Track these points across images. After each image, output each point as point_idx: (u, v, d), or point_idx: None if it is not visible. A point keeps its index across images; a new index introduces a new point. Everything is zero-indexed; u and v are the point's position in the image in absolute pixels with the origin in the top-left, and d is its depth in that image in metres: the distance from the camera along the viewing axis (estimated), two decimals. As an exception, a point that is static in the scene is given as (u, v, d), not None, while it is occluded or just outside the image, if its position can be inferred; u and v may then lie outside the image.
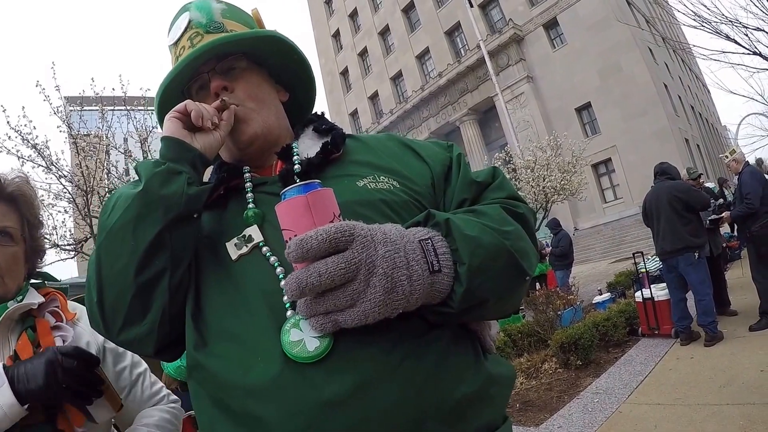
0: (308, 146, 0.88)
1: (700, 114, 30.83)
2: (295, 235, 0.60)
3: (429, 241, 0.65)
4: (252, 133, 0.85)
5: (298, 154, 0.85)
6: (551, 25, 24.19)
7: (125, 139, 7.64)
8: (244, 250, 0.75)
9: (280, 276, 0.70)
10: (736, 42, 8.12)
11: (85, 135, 7.06)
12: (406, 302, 0.62)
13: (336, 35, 36.90)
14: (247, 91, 0.87)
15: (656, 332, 5.03)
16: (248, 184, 0.83)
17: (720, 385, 3.46)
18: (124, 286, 0.71)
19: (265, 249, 0.74)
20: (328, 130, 0.90)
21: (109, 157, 7.30)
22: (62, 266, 7.80)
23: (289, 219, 0.63)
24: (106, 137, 7.17)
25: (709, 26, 8.15)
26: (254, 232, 0.76)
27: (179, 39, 0.88)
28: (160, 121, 0.89)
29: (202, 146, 0.78)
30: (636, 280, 6.33)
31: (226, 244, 0.77)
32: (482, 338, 0.78)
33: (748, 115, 21.01)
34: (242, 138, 0.85)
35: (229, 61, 0.87)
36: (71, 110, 7.05)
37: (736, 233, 5.15)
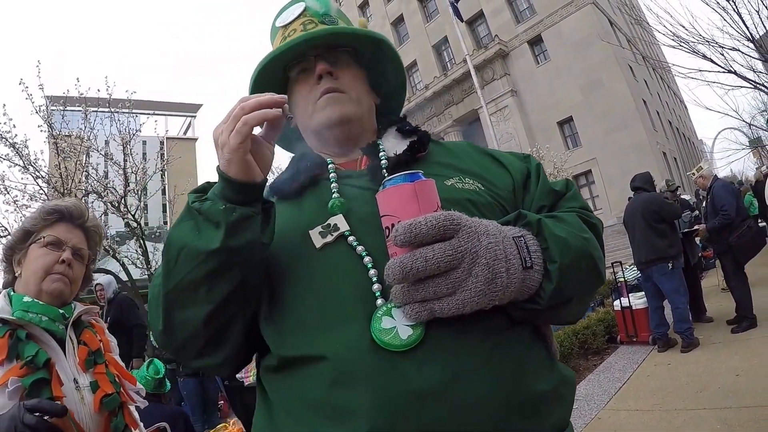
0: (393, 145, 0.88)
1: (678, 129, 31.68)
2: (399, 221, 0.61)
3: (522, 238, 0.67)
4: (344, 113, 0.85)
5: (384, 151, 0.86)
6: (536, 42, 24.73)
7: (107, 142, 7.51)
8: (329, 239, 0.74)
9: (369, 266, 0.70)
10: (712, 61, 8.41)
11: (66, 135, 6.91)
12: (503, 294, 0.62)
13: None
14: (350, 81, 0.88)
15: (634, 340, 5.10)
16: (332, 175, 0.84)
17: (697, 390, 3.50)
18: (194, 332, 0.70)
19: (351, 238, 0.73)
20: (412, 131, 0.91)
21: (89, 159, 7.16)
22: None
23: (393, 205, 0.63)
24: (88, 139, 7.03)
25: (687, 46, 8.45)
26: (340, 221, 0.76)
27: (291, 22, 0.90)
28: (252, 91, 0.90)
29: (263, 168, 0.71)
30: (614, 289, 6.40)
31: (310, 232, 0.75)
32: (550, 343, 0.79)
33: (723, 129, 21.70)
34: (333, 116, 0.85)
35: (337, 53, 0.89)
36: (53, 110, 6.90)
37: (707, 244, 5.30)
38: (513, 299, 0.66)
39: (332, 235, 0.74)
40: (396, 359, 0.62)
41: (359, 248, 0.72)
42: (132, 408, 1.29)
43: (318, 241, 0.74)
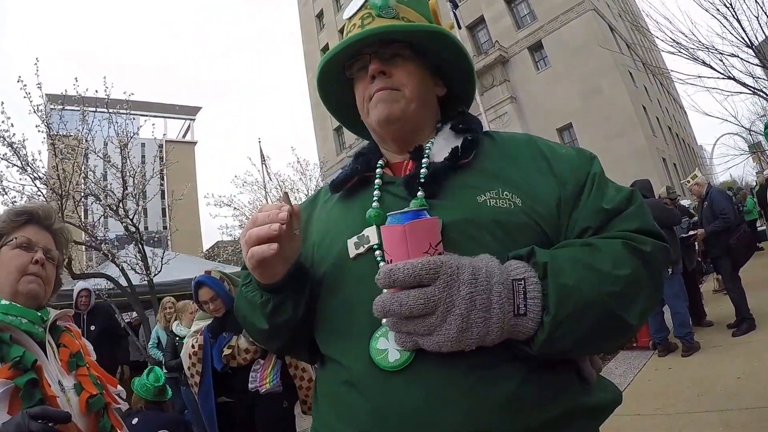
0: (441, 147, 0.86)
1: (677, 134, 31.73)
2: (391, 260, 0.65)
3: (522, 282, 0.65)
4: (392, 112, 0.86)
5: (428, 156, 0.85)
6: (536, 48, 24.80)
7: (106, 144, 7.49)
8: (361, 249, 0.78)
9: None
10: (711, 67, 8.44)
11: (64, 136, 6.88)
12: (481, 341, 0.64)
13: (325, 50, 37.23)
14: (403, 78, 0.87)
15: (634, 345, 5.09)
16: (377, 181, 0.86)
17: (698, 394, 3.48)
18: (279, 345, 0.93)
19: (378, 252, 0.76)
20: (465, 130, 0.88)
21: (87, 161, 7.13)
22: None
23: (387, 243, 0.67)
24: (86, 140, 7.00)
25: (686, 52, 8.47)
26: (372, 233, 0.79)
27: (353, 16, 0.92)
28: (320, 92, 0.99)
29: (292, 254, 0.79)
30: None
31: (348, 241, 0.80)
32: (583, 367, 0.75)
33: (723, 135, 21.76)
34: (382, 115, 0.87)
35: (393, 48, 0.88)
36: (52, 109, 6.88)
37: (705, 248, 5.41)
38: (510, 338, 0.67)
39: (364, 246, 0.78)
40: (389, 376, 0.69)
41: (381, 263, 0.74)
42: (116, 409, 1.28)
43: (352, 251, 0.79)
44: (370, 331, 0.72)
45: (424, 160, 0.84)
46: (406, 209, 0.68)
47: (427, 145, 0.87)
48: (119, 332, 5.82)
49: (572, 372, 0.74)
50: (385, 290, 0.67)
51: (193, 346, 2.78)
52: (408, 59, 0.89)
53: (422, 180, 0.80)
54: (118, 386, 1.36)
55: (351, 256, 0.79)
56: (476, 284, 0.63)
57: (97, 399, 1.18)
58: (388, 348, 0.70)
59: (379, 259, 0.75)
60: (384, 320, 0.70)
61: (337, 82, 0.95)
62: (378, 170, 0.88)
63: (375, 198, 0.83)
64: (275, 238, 0.71)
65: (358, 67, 0.91)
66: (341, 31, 1.02)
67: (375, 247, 0.77)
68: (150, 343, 5.81)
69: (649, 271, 0.72)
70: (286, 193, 0.78)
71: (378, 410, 0.69)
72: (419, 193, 0.79)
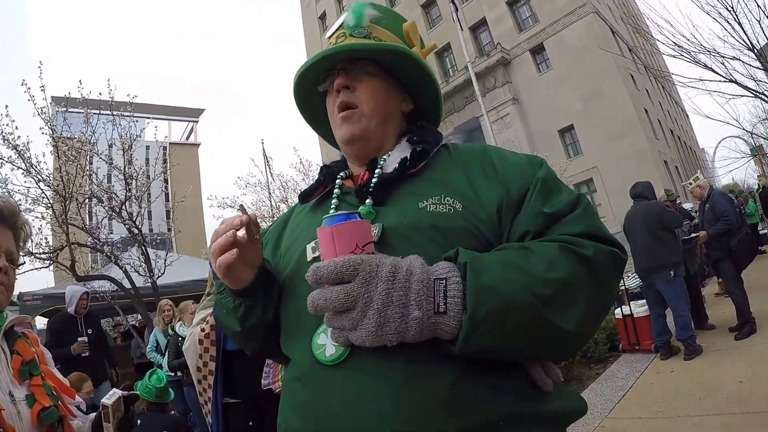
0: (395, 158, 0.90)
1: (679, 137, 31.69)
2: (322, 260, 0.69)
3: (444, 281, 0.67)
4: (354, 132, 0.92)
5: (381, 168, 0.90)
6: (538, 50, 24.82)
7: (110, 146, 7.51)
8: (317, 253, 0.82)
9: None
10: (713, 70, 8.44)
11: (68, 138, 6.91)
12: (400, 337, 0.66)
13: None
14: (366, 93, 0.93)
15: (636, 348, 5.09)
16: (336, 191, 0.93)
17: (700, 397, 3.49)
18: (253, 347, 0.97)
19: None
20: (419, 141, 0.92)
21: (91, 163, 7.16)
22: (36, 275, 7.54)
23: (320, 245, 0.72)
24: (90, 143, 7.03)
25: (688, 56, 8.46)
26: None
27: (331, 35, 0.99)
28: (298, 105, 1.05)
29: (256, 261, 0.83)
30: (616, 297, 6.39)
31: (307, 246, 0.86)
32: (531, 373, 0.74)
33: (724, 138, 21.72)
34: (345, 135, 0.93)
35: (361, 65, 0.94)
36: (57, 111, 6.91)
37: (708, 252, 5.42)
38: (437, 337, 0.68)
39: (318, 251, 0.80)
40: (328, 370, 0.73)
41: None
42: (73, 423, 1.21)
43: (309, 255, 0.84)
44: (314, 329, 0.77)
45: (376, 171, 0.89)
46: (338, 213, 0.74)
47: (383, 157, 0.92)
48: (106, 337, 5.87)
49: (520, 377, 0.74)
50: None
51: (203, 329, 2.62)
52: (374, 76, 0.94)
53: (371, 189, 0.85)
54: (77, 397, 1.28)
55: (308, 259, 0.84)
56: (394, 281, 0.66)
57: (50, 411, 1.11)
58: (326, 343, 0.74)
59: None
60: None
61: (314, 96, 1.02)
62: (338, 181, 0.95)
63: (332, 206, 0.89)
64: (233, 244, 0.76)
65: (329, 82, 0.96)
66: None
67: None
68: (149, 346, 5.78)
69: (592, 275, 0.71)
70: (241, 205, 0.82)
71: (319, 403, 0.73)
72: (367, 201, 0.84)
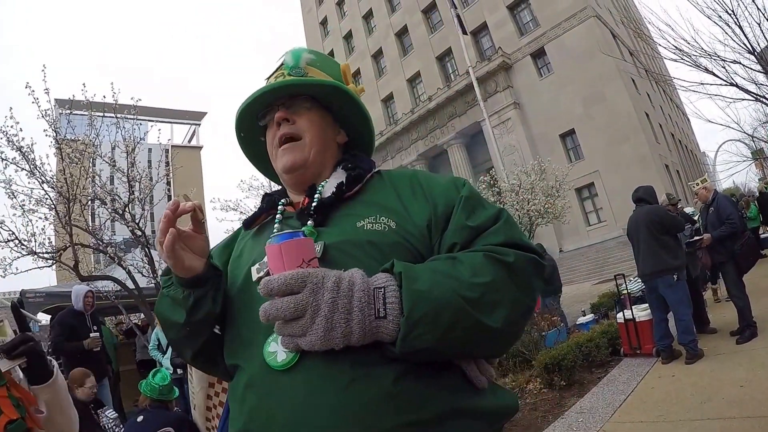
0: (333, 185, 0.97)
1: (680, 141, 31.70)
2: (272, 275, 0.75)
3: (382, 289, 0.74)
4: (295, 161, 0.99)
5: (320, 193, 0.96)
6: (539, 55, 24.89)
7: (113, 148, 7.55)
8: (262, 273, 0.87)
9: None
10: (714, 74, 8.45)
11: (71, 140, 6.96)
12: (346, 340, 0.72)
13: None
14: (306, 125, 1.00)
15: (638, 352, 5.08)
16: (278, 216, 0.99)
17: (701, 401, 3.49)
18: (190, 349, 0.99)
19: None
20: (353, 168, 0.99)
21: (94, 165, 7.21)
22: (39, 274, 7.60)
23: (269, 262, 0.77)
24: (93, 145, 7.07)
25: (689, 59, 8.48)
26: None
27: (270, 75, 1.06)
28: (238, 140, 1.12)
29: (202, 253, 0.90)
30: (618, 301, 6.39)
31: (252, 267, 0.91)
32: (467, 371, 0.80)
33: (725, 141, 21.74)
34: (287, 164, 0.99)
35: (299, 100, 1.01)
36: (60, 113, 6.96)
37: (710, 254, 5.43)
38: (379, 340, 0.74)
39: (264, 270, 0.87)
40: (279, 375, 0.77)
41: None
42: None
43: (254, 275, 0.89)
44: (265, 337, 0.82)
45: (315, 196, 0.95)
46: (283, 231, 0.79)
47: (321, 183, 0.99)
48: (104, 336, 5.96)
49: (456, 375, 0.80)
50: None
51: None
52: (311, 110, 1.02)
53: (312, 212, 0.92)
54: (42, 410, 1.25)
55: (254, 279, 0.89)
56: (338, 291, 0.72)
57: (17, 425, 1.09)
58: (277, 350, 0.79)
59: None
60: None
61: (254, 132, 1.09)
62: (279, 207, 1.01)
63: (275, 230, 0.93)
64: (171, 222, 0.82)
65: (269, 118, 1.03)
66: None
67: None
68: (151, 344, 5.88)
69: (514, 279, 0.79)
70: (185, 195, 0.89)
71: (270, 405, 0.77)
72: (309, 222, 0.90)
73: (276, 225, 0.96)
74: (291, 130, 0.99)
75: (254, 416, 0.79)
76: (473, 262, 0.78)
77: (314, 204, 0.94)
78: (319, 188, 0.98)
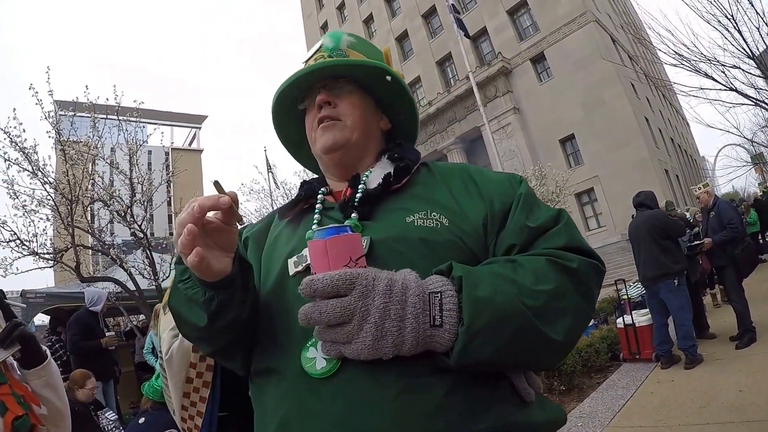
0: (377, 175, 0.91)
1: (680, 146, 31.77)
2: (315, 273, 0.69)
3: (439, 294, 0.68)
4: (336, 140, 0.93)
5: (364, 183, 0.90)
6: (538, 60, 24.97)
7: (112, 150, 7.58)
8: (300, 268, 0.82)
9: None
10: (713, 79, 8.50)
11: (74, 142, 6.99)
12: (397, 350, 0.66)
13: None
14: (348, 108, 0.94)
15: (637, 357, 5.09)
16: (318, 206, 0.92)
17: (700, 406, 3.49)
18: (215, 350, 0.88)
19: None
20: (399, 159, 0.93)
21: (95, 166, 7.23)
22: (40, 274, 7.62)
23: (312, 258, 0.71)
24: (95, 147, 7.10)
25: (688, 64, 8.53)
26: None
27: (309, 58, 1.00)
28: (274, 123, 1.05)
29: (229, 249, 0.76)
30: (618, 306, 6.39)
31: (289, 260, 0.85)
32: (515, 383, 0.76)
33: (725, 146, 21.77)
34: (327, 142, 0.93)
35: (340, 83, 0.96)
36: (62, 114, 6.99)
37: (710, 258, 5.45)
38: (431, 350, 0.68)
39: (302, 265, 0.82)
40: (318, 384, 0.72)
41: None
42: (42, 430, 1.20)
43: (292, 269, 0.83)
44: (304, 342, 0.75)
45: (359, 187, 0.89)
46: (328, 226, 0.72)
47: (365, 173, 0.93)
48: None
49: (506, 388, 0.75)
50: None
51: None
52: (353, 93, 0.96)
53: (356, 204, 0.86)
54: (42, 406, 1.26)
55: (291, 273, 0.83)
56: (391, 295, 0.66)
57: (22, 421, 1.10)
58: (316, 357, 0.73)
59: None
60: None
61: (289, 116, 1.03)
62: (320, 196, 0.94)
63: (315, 221, 0.88)
64: (195, 237, 0.68)
65: (309, 101, 0.98)
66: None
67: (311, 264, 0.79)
68: (145, 348, 5.89)
69: (577, 287, 0.73)
70: (216, 182, 0.75)
71: (306, 418, 0.71)
72: (353, 215, 0.84)
73: (315, 215, 0.90)
74: (332, 113, 0.93)
75: (287, 426, 0.73)
76: (535, 266, 0.73)
77: (358, 195, 0.87)
78: (364, 177, 0.91)
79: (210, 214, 0.72)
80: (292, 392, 0.74)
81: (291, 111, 1.02)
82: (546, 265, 0.73)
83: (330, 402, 0.70)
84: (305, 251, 0.82)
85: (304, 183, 1.01)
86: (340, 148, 0.93)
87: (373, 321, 0.65)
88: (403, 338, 0.65)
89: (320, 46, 0.99)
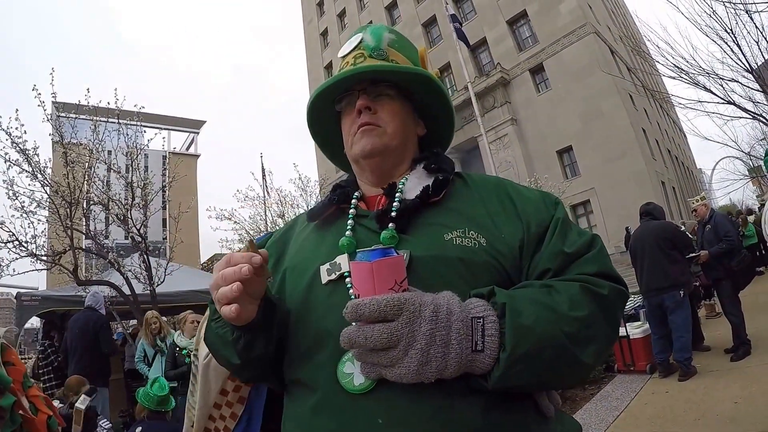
0: (414, 184, 0.91)
1: (677, 158, 31.90)
2: (359, 295, 0.69)
3: (481, 320, 0.69)
4: (375, 145, 0.92)
5: (401, 192, 0.89)
6: (537, 71, 25.13)
7: (109, 152, 7.57)
8: (333, 276, 0.82)
9: None
10: (712, 92, 8.56)
11: (74, 144, 7.00)
12: (440, 374, 0.67)
13: (329, 67, 37.68)
14: (389, 115, 0.94)
15: (631, 368, 5.09)
16: (351, 212, 0.90)
17: (695, 418, 3.50)
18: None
19: (348, 279, 0.79)
20: (437, 169, 0.93)
21: (95, 170, 7.23)
22: (36, 276, 7.58)
23: (356, 280, 0.71)
24: (96, 150, 7.10)
25: (687, 77, 8.60)
26: (344, 261, 0.83)
27: (347, 54, 0.98)
28: (309, 121, 1.04)
29: (258, 296, 0.77)
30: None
31: (320, 267, 0.84)
32: (537, 401, 0.78)
33: (722, 159, 21.89)
34: (366, 148, 0.92)
35: (381, 87, 0.94)
36: (63, 116, 7.00)
37: (704, 271, 5.48)
38: (468, 372, 0.69)
39: (336, 273, 0.82)
40: (355, 398, 0.72)
41: (351, 291, 0.77)
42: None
43: (324, 277, 0.83)
44: (338, 356, 0.75)
45: (396, 196, 0.88)
46: (374, 247, 0.71)
47: (401, 182, 0.92)
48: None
49: (531, 406, 0.77)
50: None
51: None
52: (393, 99, 0.95)
53: (393, 215, 0.84)
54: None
55: (323, 282, 0.82)
56: (437, 321, 0.66)
57: (53, 420, 1.13)
58: (353, 372, 0.73)
59: (349, 286, 0.78)
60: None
61: (324, 114, 1.02)
62: (353, 202, 0.93)
63: (348, 227, 0.87)
64: (238, 293, 0.70)
65: (346, 102, 0.96)
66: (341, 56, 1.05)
67: (346, 274, 0.80)
68: (137, 356, 5.81)
69: (605, 314, 0.76)
70: (250, 241, 0.77)
71: (343, 431, 0.72)
72: (390, 225, 0.83)
73: (349, 221, 0.89)
74: (372, 120, 0.92)
75: None
76: (570, 293, 0.74)
77: (395, 205, 0.86)
78: (400, 186, 0.90)
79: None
80: (328, 407, 0.74)
81: (324, 110, 1.01)
82: (579, 292, 0.74)
83: (369, 418, 0.70)
84: (338, 259, 0.83)
85: (336, 186, 1.00)
86: (379, 154, 0.93)
87: (420, 347, 0.65)
88: (446, 363, 0.66)
89: (360, 42, 0.97)
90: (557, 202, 0.91)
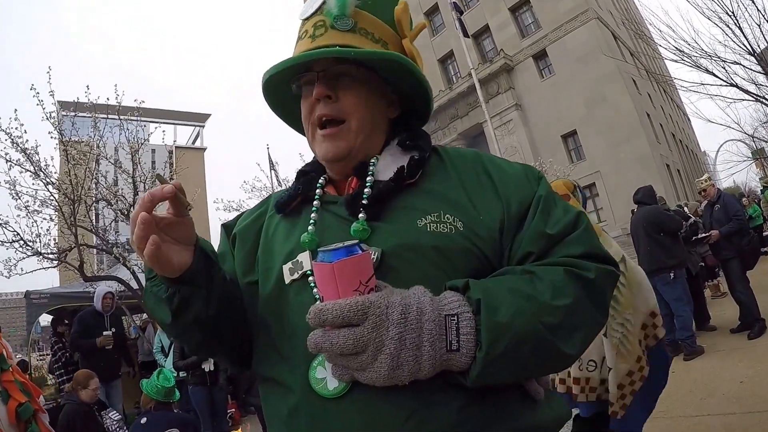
0: (387, 164, 0.83)
1: (681, 141, 31.70)
2: (323, 297, 0.66)
3: (455, 318, 0.65)
4: (338, 152, 0.83)
5: (372, 173, 0.82)
6: (540, 56, 24.93)
7: (116, 149, 7.61)
8: (296, 275, 0.77)
9: None
10: (714, 75, 8.50)
11: (76, 142, 7.03)
12: (413, 377, 0.64)
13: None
14: (351, 104, 0.82)
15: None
16: (316, 203, 0.83)
17: (701, 398, 3.52)
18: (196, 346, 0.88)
19: (311, 278, 0.75)
20: (413, 147, 0.85)
21: (98, 166, 7.27)
22: (43, 274, 7.67)
23: (318, 282, 0.67)
24: (97, 146, 7.14)
25: (689, 60, 8.53)
26: (305, 259, 0.78)
27: (307, 19, 0.85)
28: (267, 99, 0.93)
29: (188, 240, 0.73)
30: (618, 302, 6.39)
31: (283, 266, 0.79)
32: (527, 387, 0.75)
33: (726, 141, 21.72)
34: (328, 155, 0.84)
35: (344, 66, 0.82)
36: (64, 115, 7.03)
37: (714, 251, 5.49)
38: (447, 369, 0.66)
39: (298, 273, 0.77)
40: (329, 403, 0.69)
41: (315, 290, 0.74)
42: (43, 417, 1.14)
43: (287, 277, 0.78)
44: (309, 359, 0.72)
45: (368, 179, 0.81)
46: (336, 245, 0.65)
47: (372, 161, 0.84)
48: (125, 338, 6.24)
49: (516, 392, 0.74)
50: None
51: None
52: (359, 81, 0.83)
53: (365, 201, 0.78)
54: (42, 397, 1.24)
55: (286, 282, 0.78)
56: (406, 323, 0.62)
57: (25, 407, 1.10)
58: (326, 377, 0.70)
59: (313, 285, 0.74)
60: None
61: (281, 90, 0.91)
62: (318, 190, 0.85)
63: (312, 221, 0.81)
64: (150, 226, 0.66)
65: (305, 81, 0.85)
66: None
67: (309, 273, 0.76)
68: (154, 347, 6.01)
69: (592, 298, 0.71)
70: (158, 175, 0.74)
71: None
72: (360, 215, 0.77)
73: (313, 214, 0.82)
74: (333, 111, 0.82)
75: None
76: (553, 279, 0.69)
77: (367, 190, 0.79)
78: (371, 168, 0.83)
79: (162, 212, 0.69)
80: (304, 410, 0.72)
81: (284, 84, 0.89)
82: (564, 278, 0.70)
83: (343, 422, 0.68)
84: (300, 257, 0.78)
85: (300, 173, 0.92)
86: (343, 158, 0.84)
87: (389, 352, 0.62)
88: (419, 366, 0.63)
89: (321, 6, 0.82)
90: (540, 177, 0.85)
